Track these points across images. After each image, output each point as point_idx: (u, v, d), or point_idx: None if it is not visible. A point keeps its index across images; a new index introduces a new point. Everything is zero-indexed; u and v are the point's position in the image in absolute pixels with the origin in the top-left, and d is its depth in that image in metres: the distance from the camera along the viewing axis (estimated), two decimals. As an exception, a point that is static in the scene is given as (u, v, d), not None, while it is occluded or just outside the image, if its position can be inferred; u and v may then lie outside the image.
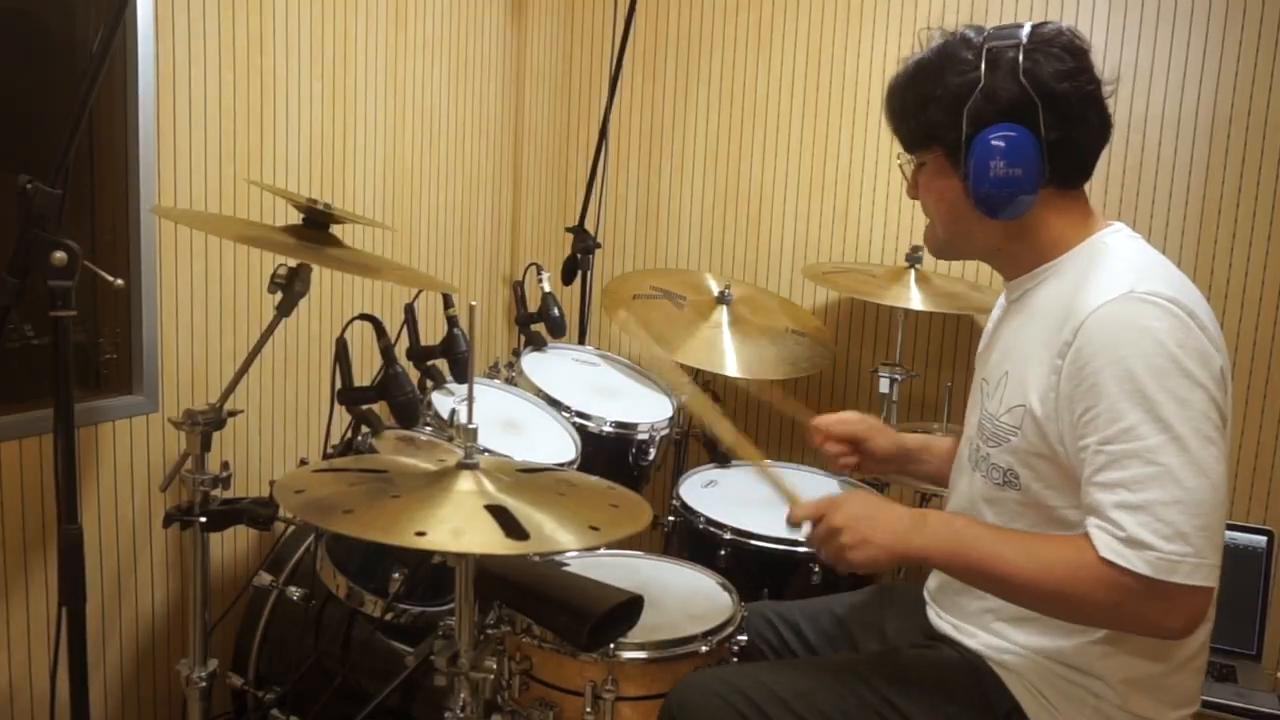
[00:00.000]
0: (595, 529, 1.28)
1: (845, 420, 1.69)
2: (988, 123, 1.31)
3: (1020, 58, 1.30)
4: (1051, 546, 1.26)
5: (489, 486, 1.32)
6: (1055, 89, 1.30)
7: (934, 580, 1.54)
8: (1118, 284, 1.25)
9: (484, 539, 1.22)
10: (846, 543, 1.33)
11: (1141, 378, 1.19)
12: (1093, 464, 1.22)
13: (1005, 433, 1.35)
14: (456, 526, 1.23)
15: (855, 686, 1.38)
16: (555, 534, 1.26)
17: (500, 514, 1.25)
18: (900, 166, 1.47)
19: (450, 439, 1.89)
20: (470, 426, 1.37)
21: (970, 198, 1.34)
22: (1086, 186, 1.40)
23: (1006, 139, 1.30)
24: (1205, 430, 1.19)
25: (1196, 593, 1.18)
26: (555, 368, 2.51)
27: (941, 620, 1.49)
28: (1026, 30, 1.32)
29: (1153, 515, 1.17)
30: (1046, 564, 1.24)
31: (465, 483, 1.33)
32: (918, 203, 1.47)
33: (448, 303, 2.08)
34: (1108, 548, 1.19)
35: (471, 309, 1.37)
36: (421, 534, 1.20)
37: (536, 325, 2.64)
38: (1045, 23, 1.35)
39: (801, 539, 1.64)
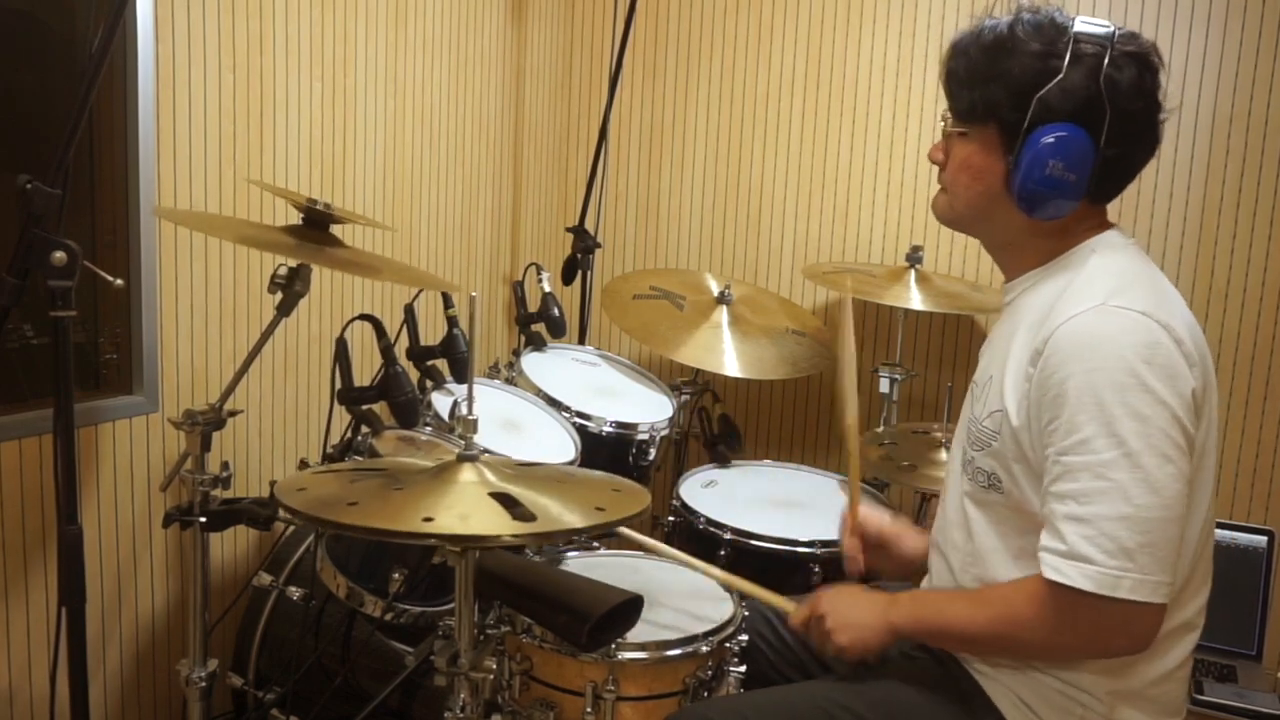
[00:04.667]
0: (600, 509, 1.29)
1: (875, 520, 1.63)
2: (1055, 118, 1.26)
3: (1105, 60, 1.25)
4: (999, 588, 1.30)
5: (491, 477, 1.33)
6: (1129, 104, 1.27)
7: (926, 583, 1.54)
8: (1093, 294, 1.24)
9: (491, 522, 1.22)
10: (832, 627, 1.41)
11: (1101, 391, 1.18)
12: (1050, 473, 1.23)
13: (987, 437, 1.35)
14: (463, 512, 1.23)
15: (839, 715, 1.37)
16: (562, 515, 1.26)
17: (505, 500, 1.26)
18: (943, 125, 1.41)
19: (451, 430, 1.89)
20: (470, 418, 1.37)
21: (1010, 186, 1.31)
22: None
23: (1070, 140, 1.26)
24: (1163, 448, 1.18)
25: (1142, 610, 1.18)
26: (555, 368, 2.51)
27: None
28: (1114, 33, 1.27)
29: (1097, 529, 1.17)
30: (994, 604, 1.29)
31: (468, 474, 1.33)
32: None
33: (448, 303, 2.08)
34: (1050, 567, 1.20)
35: (472, 300, 1.36)
36: (429, 519, 1.20)
37: (536, 325, 2.63)
38: (1132, 31, 1.31)
39: (800, 539, 1.67)
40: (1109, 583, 1.17)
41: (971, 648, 1.37)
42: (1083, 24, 1.28)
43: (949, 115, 1.39)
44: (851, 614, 1.40)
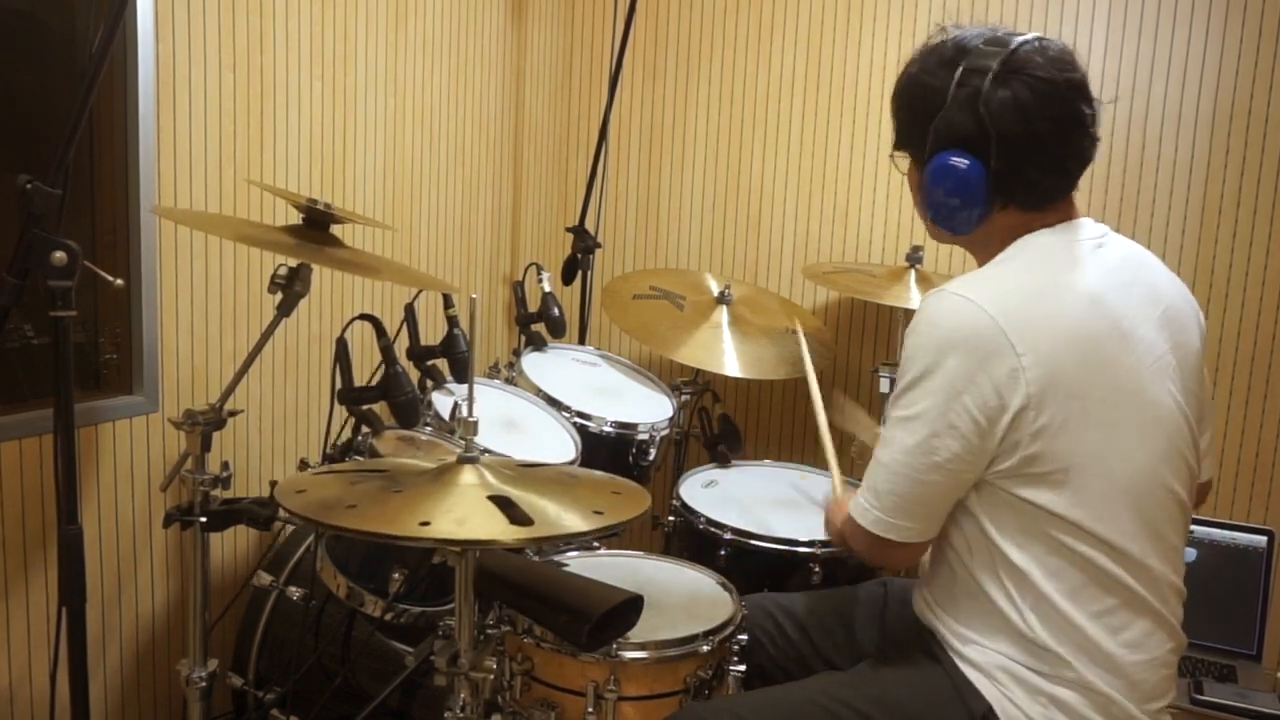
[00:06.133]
0: (599, 513, 1.29)
1: None
2: (946, 145, 1.37)
3: (985, 86, 1.33)
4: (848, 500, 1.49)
5: (491, 479, 1.33)
6: (1009, 126, 1.34)
7: (921, 569, 1.56)
8: (959, 283, 1.35)
9: (488, 527, 1.23)
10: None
11: (914, 360, 1.33)
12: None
13: None
14: (460, 516, 1.24)
15: (837, 711, 1.39)
16: (560, 519, 1.26)
17: (503, 503, 1.26)
18: (893, 158, 1.52)
19: (452, 431, 1.89)
20: (471, 420, 1.37)
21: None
22: (1087, 186, 1.41)
23: (950, 167, 1.36)
24: (937, 423, 1.31)
25: (877, 540, 1.40)
26: (555, 368, 2.51)
27: (924, 607, 1.50)
28: (1005, 54, 1.35)
29: (871, 473, 1.40)
30: (842, 509, 1.50)
31: (468, 476, 1.33)
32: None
33: (448, 303, 2.08)
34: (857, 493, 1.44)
35: (472, 302, 1.37)
36: (425, 524, 1.20)
37: (536, 325, 2.63)
38: (1037, 41, 1.37)
39: (801, 539, 1.77)
40: (860, 513, 1.41)
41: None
42: (981, 46, 1.37)
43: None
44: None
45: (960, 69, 1.36)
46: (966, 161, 1.35)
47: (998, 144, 1.34)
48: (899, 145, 1.48)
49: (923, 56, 1.43)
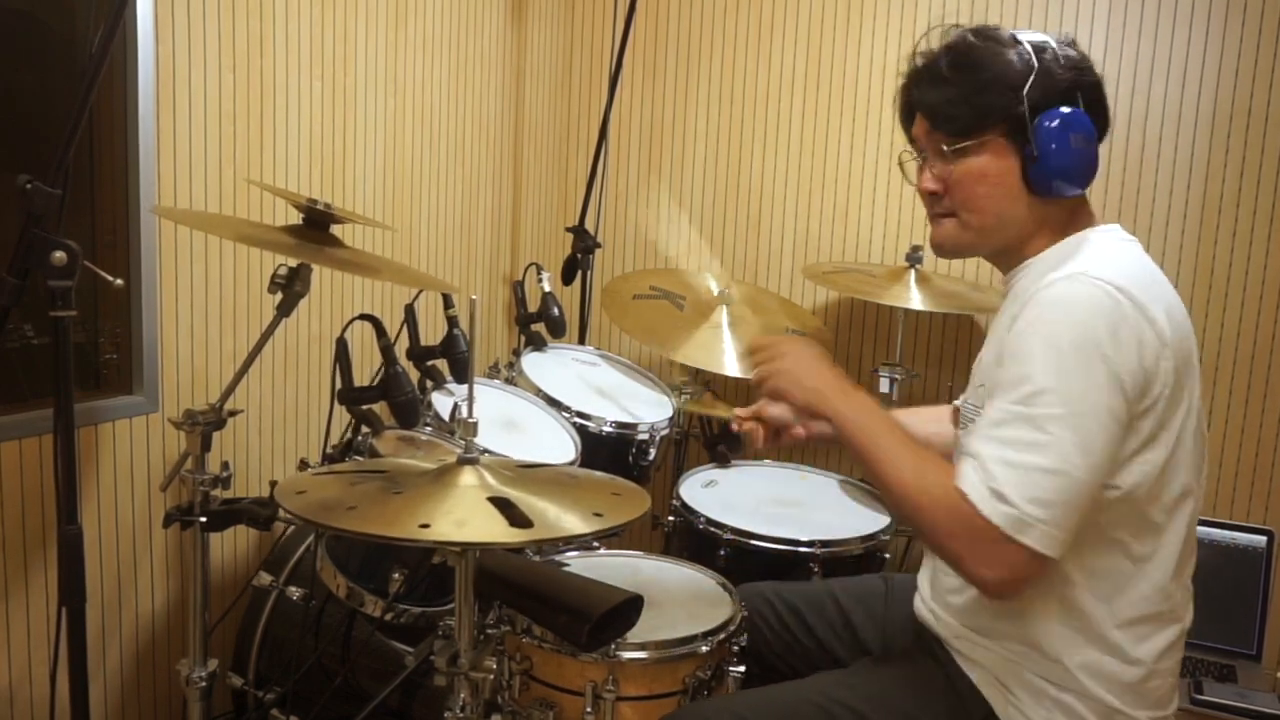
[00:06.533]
0: (599, 515, 1.29)
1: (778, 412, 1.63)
2: (1048, 105, 1.34)
3: (1058, 49, 1.36)
4: (937, 474, 1.29)
5: (491, 480, 1.33)
6: (1090, 81, 1.37)
7: (923, 571, 1.55)
8: (1075, 266, 1.29)
9: (488, 529, 1.22)
10: (778, 369, 1.46)
11: (1058, 349, 1.22)
12: (992, 416, 1.26)
13: (971, 414, 1.39)
14: (460, 518, 1.24)
15: (834, 711, 1.38)
16: (559, 521, 1.26)
17: (503, 505, 1.26)
18: (903, 164, 1.48)
19: (452, 432, 1.89)
20: (471, 420, 1.37)
21: (1029, 179, 1.36)
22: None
23: (1076, 116, 1.34)
24: (1103, 417, 1.21)
25: (1033, 559, 1.21)
26: (555, 368, 2.51)
27: (923, 607, 1.50)
28: (1051, 35, 1.39)
29: (1027, 478, 1.20)
30: (924, 476, 1.29)
31: (468, 477, 1.33)
32: (917, 202, 1.46)
33: (448, 303, 2.08)
34: (972, 486, 1.23)
35: (472, 303, 1.37)
36: (425, 526, 1.20)
37: (536, 325, 2.63)
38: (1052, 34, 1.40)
39: (801, 539, 1.67)
40: (1019, 526, 1.20)
41: (880, 486, 1.36)
42: (1015, 31, 1.39)
43: (929, 145, 1.43)
44: (803, 372, 1.45)
45: (1018, 39, 1.37)
46: (1079, 112, 1.34)
47: (1084, 95, 1.35)
48: (971, 129, 1.37)
49: (966, 40, 1.40)
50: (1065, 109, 1.33)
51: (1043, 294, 1.27)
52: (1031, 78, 1.33)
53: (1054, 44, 1.37)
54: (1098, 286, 1.24)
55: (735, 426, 1.66)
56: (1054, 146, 1.33)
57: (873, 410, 1.40)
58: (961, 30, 1.41)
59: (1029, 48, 1.35)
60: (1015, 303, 1.35)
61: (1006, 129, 1.36)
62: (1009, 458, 1.22)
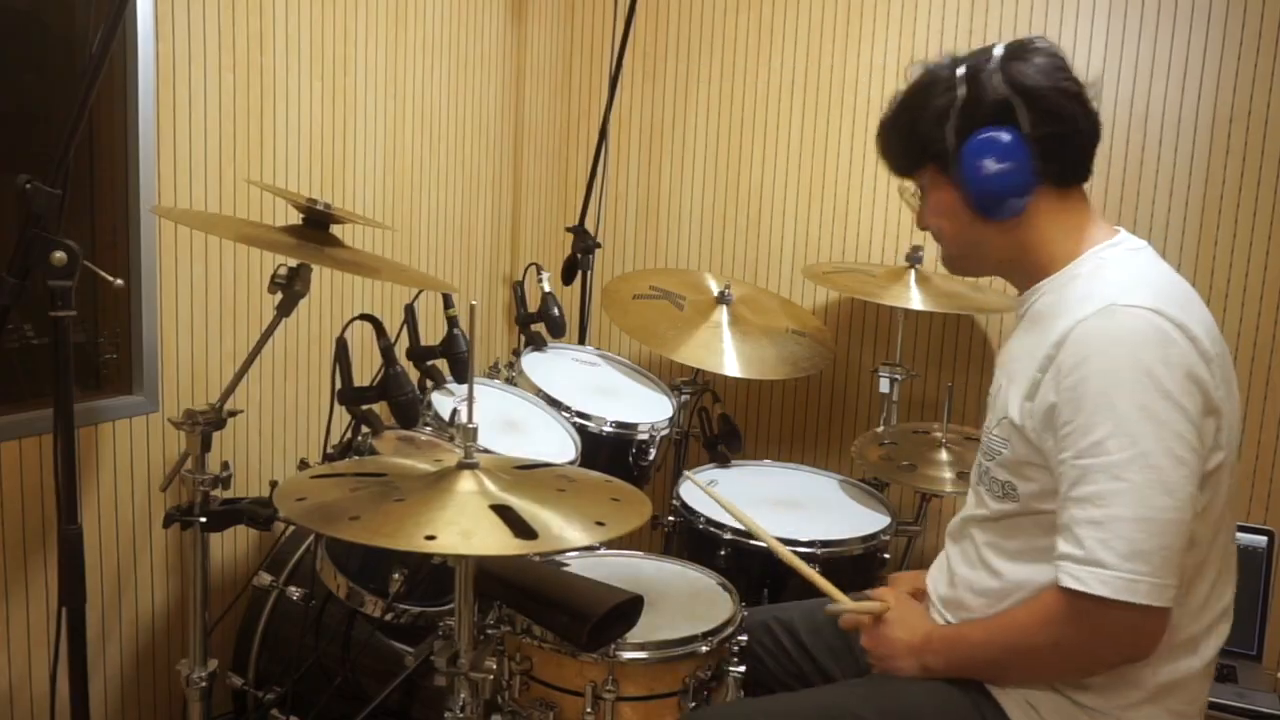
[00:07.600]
0: (601, 524, 1.28)
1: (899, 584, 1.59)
2: (973, 129, 1.33)
3: (996, 66, 1.33)
4: (1011, 610, 1.31)
5: (491, 486, 1.32)
6: (1035, 86, 1.32)
7: (939, 568, 1.54)
8: (1104, 295, 1.25)
9: (494, 540, 1.22)
10: (888, 667, 1.43)
11: (1114, 391, 1.19)
12: (1067, 478, 1.23)
13: (998, 446, 1.36)
14: (465, 528, 1.23)
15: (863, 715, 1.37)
16: (563, 531, 1.26)
17: (506, 513, 1.25)
18: (906, 200, 1.49)
19: (451, 438, 1.89)
20: (470, 426, 1.37)
21: (975, 205, 1.36)
22: (1087, 188, 1.40)
23: (991, 139, 1.32)
24: (1176, 449, 1.18)
25: (1152, 614, 1.18)
26: (555, 368, 2.51)
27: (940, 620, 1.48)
28: (1001, 47, 1.36)
29: (1114, 532, 1.17)
30: (1008, 622, 1.30)
31: (467, 483, 1.33)
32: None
33: (448, 303, 2.08)
34: (1069, 575, 1.20)
35: (472, 308, 1.37)
36: (431, 538, 1.19)
37: (536, 325, 2.64)
38: (1022, 39, 1.38)
39: (800, 539, 1.72)
40: (1126, 587, 1.16)
41: (996, 670, 1.35)
42: (970, 52, 1.37)
43: (902, 185, 1.47)
44: (890, 655, 1.42)
45: (962, 67, 1.35)
46: (1002, 131, 1.31)
47: (1028, 106, 1.31)
48: (911, 168, 1.43)
49: (908, 86, 1.41)
50: (982, 133, 1.32)
51: (1081, 334, 1.23)
52: (957, 106, 1.33)
53: (997, 58, 1.33)
54: (1136, 315, 1.22)
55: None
56: (973, 173, 1.33)
57: (943, 635, 1.40)
58: (920, 65, 1.42)
59: (960, 73, 1.34)
60: (1039, 332, 1.32)
61: (936, 164, 1.38)
62: (1093, 516, 1.18)
